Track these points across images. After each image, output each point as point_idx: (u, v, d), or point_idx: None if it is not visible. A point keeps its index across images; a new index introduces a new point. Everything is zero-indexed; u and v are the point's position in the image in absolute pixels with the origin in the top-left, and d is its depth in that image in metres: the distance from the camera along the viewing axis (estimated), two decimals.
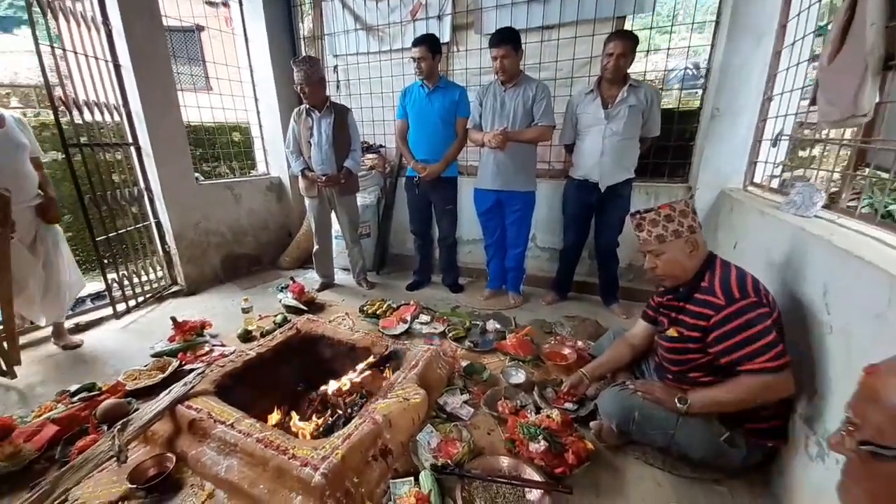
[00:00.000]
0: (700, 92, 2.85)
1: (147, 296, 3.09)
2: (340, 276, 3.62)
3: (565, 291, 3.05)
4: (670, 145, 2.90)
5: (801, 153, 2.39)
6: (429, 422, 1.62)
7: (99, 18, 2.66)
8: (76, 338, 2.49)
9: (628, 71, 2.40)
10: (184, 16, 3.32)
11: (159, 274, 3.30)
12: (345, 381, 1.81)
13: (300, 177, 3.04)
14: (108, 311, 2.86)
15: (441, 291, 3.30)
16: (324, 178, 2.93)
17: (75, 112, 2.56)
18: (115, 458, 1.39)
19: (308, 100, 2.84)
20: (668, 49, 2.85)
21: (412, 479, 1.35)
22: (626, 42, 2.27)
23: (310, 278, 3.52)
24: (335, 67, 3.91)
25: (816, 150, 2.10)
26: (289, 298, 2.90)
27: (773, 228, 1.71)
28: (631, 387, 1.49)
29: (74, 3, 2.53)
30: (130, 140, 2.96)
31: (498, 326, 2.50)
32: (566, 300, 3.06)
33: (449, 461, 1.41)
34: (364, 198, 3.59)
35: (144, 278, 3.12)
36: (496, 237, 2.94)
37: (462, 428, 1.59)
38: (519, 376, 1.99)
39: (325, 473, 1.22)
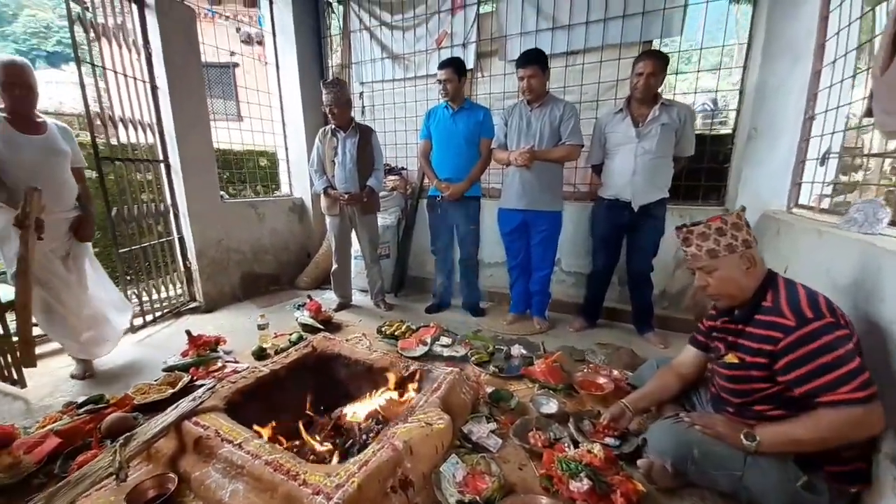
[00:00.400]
0: (728, 119, 2.78)
1: (164, 311, 3.06)
2: (358, 298, 3.54)
3: (594, 318, 2.88)
4: (703, 167, 2.80)
5: (849, 173, 2.27)
6: (453, 452, 1.46)
7: (140, 41, 2.80)
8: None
9: (658, 91, 2.35)
10: (221, 52, 3.51)
11: (178, 290, 3.28)
12: (360, 410, 1.69)
13: (322, 195, 3.04)
14: (126, 325, 2.82)
15: (461, 315, 3.16)
16: (346, 196, 2.92)
17: (111, 129, 2.65)
18: (114, 476, 1.28)
19: (335, 120, 2.88)
20: (697, 72, 2.81)
21: None
22: (656, 61, 2.24)
23: (327, 298, 3.45)
24: (361, 94, 4.02)
25: (873, 164, 1.97)
26: (305, 316, 2.81)
27: (833, 248, 1.57)
28: (686, 420, 1.32)
29: (117, 25, 2.67)
30: (161, 157, 3.03)
31: (524, 352, 2.34)
32: (595, 327, 2.88)
33: (477, 498, 1.25)
34: (384, 218, 3.57)
35: (164, 294, 3.10)
36: (520, 259, 2.83)
37: (490, 461, 1.43)
38: (551, 406, 1.82)
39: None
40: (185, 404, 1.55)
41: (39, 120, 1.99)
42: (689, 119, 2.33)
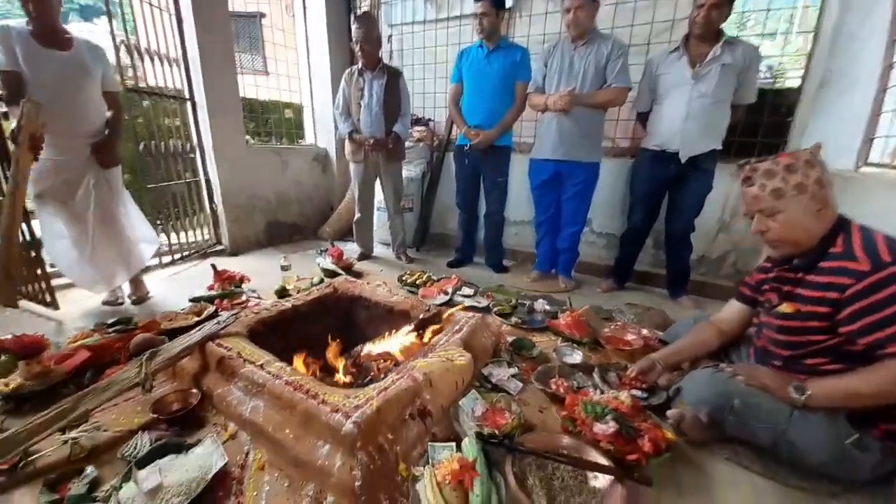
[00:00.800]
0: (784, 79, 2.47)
1: (192, 251, 3.12)
2: (379, 250, 3.51)
3: (624, 280, 2.74)
4: (762, 121, 2.53)
5: None
6: (473, 389, 1.43)
7: None
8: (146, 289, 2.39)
9: (722, 27, 2.09)
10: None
11: (205, 234, 3.33)
12: (380, 348, 1.67)
13: (347, 140, 2.95)
14: (155, 261, 2.90)
15: (484, 271, 3.09)
16: (371, 141, 2.82)
17: (138, 63, 2.60)
18: (140, 386, 1.30)
19: (363, 59, 2.74)
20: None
21: (454, 444, 1.16)
22: None
23: (349, 249, 3.43)
24: (389, 37, 3.81)
25: None
26: (327, 262, 2.81)
27: None
28: (727, 369, 1.22)
29: None
30: (187, 95, 2.99)
31: (548, 307, 2.26)
32: (624, 290, 2.75)
33: (496, 432, 1.21)
34: (409, 171, 3.46)
35: (191, 236, 3.15)
36: (549, 214, 2.70)
37: (510, 400, 1.38)
38: (575, 356, 1.75)
39: (357, 423, 1.06)
40: (209, 326, 1.56)
41: (67, 36, 1.89)
42: (754, 61, 2.07)
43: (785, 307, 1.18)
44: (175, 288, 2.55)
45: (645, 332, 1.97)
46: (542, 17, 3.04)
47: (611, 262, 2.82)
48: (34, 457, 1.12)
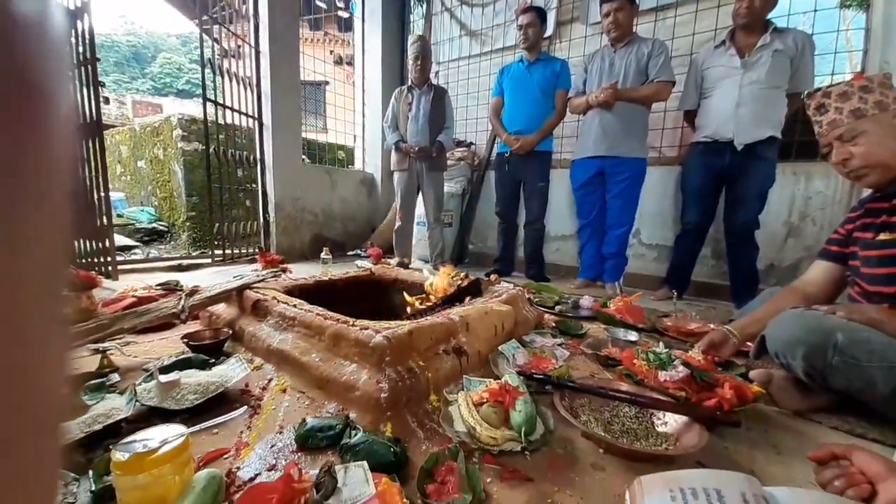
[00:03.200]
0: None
1: (241, 251, 3.27)
2: (417, 264, 3.49)
3: (681, 289, 2.48)
4: None
5: None
6: (514, 339, 1.29)
7: (251, 10, 3.18)
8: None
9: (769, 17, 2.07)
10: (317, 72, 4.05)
11: (256, 241, 3.51)
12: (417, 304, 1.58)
13: (393, 150, 3.10)
14: (208, 260, 3.08)
15: (523, 282, 2.95)
16: (416, 149, 2.95)
17: (219, 81, 2.99)
18: (177, 316, 1.30)
19: (416, 74, 2.97)
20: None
21: (491, 380, 1.02)
22: None
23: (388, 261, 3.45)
24: (437, 74, 4.15)
25: None
26: (366, 263, 2.82)
27: None
28: (823, 307, 1.02)
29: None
30: (256, 115, 3.34)
31: (594, 300, 2.08)
32: (682, 300, 2.49)
33: (543, 374, 1.05)
34: (450, 187, 3.54)
35: (243, 247, 3.33)
36: (593, 217, 2.60)
37: (555, 351, 1.23)
38: (630, 336, 1.55)
39: (387, 337, 0.97)
40: (249, 276, 1.57)
41: None
42: (808, 46, 2.01)
43: (884, 236, 1.00)
44: (219, 278, 2.64)
45: (711, 325, 1.74)
46: (580, 40, 3.20)
47: (662, 276, 2.61)
48: None
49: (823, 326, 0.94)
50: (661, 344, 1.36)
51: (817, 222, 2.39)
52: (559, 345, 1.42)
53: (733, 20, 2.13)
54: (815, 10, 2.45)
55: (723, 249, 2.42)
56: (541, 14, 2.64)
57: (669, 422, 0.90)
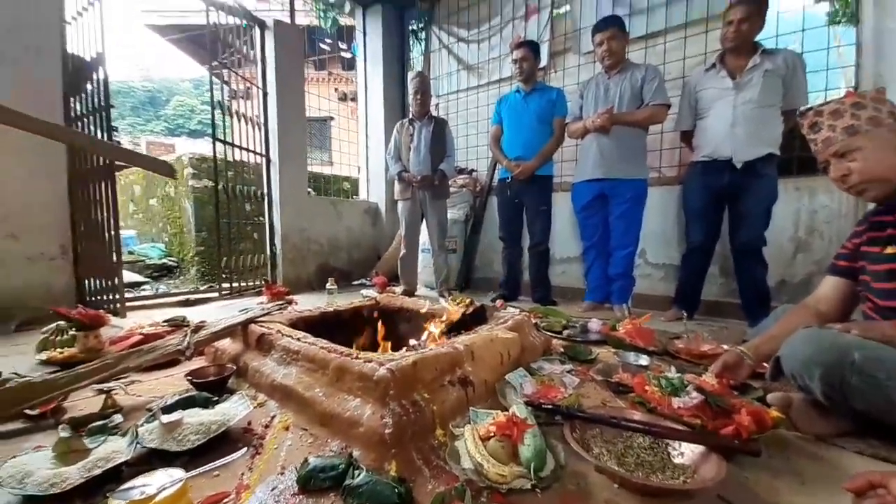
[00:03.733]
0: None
1: (248, 284, 3.29)
2: (423, 291, 3.49)
3: (691, 308, 2.43)
4: None
5: None
6: (521, 368, 1.26)
7: (258, 55, 3.35)
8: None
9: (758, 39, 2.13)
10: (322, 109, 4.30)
11: (263, 273, 3.54)
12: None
13: (396, 180, 3.17)
14: (215, 294, 3.10)
15: (529, 305, 2.92)
16: (419, 178, 3.00)
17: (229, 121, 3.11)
18: (182, 353, 1.30)
19: (416, 108, 3.07)
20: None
21: (498, 412, 0.99)
22: (749, 5, 2.03)
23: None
24: (437, 106, 4.28)
25: None
26: (372, 291, 2.82)
27: None
28: (837, 326, 0.99)
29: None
30: (263, 151, 3.45)
31: (603, 322, 2.04)
32: (692, 321, 2.44)
33: (551, 404, 1.02)
34: (453, 213, 3.58)
35: (250, 279, 3.36)
36: (597, 239, 2.60)
37: (563, 379, 1.20)
38: (641, 360, 1.51)
39: (391, 369, 0.96)
40: (254, 310, 1.58)
41: None
42: (798, 65, 2.05)
43: (891, 249, 0.99)
44: (225, 312, 2.65)
45: (725, 346, 1.69)
46: (574, 69, 3.31)
47: (670, 295, 2.57)
48: (66, 405, 1.11)
49: (838, 345, 0.91)
50: (672, 368, 1.33)
51: (825, 236, 2.36)
52: (568, 371, 1.39)
53: (722, 44, 2.19)
54: (804, 30, 2.51)
55: (731, 267, 2.39)
56: (534, 47, 2.74)
57: (686, 452, 0.86)
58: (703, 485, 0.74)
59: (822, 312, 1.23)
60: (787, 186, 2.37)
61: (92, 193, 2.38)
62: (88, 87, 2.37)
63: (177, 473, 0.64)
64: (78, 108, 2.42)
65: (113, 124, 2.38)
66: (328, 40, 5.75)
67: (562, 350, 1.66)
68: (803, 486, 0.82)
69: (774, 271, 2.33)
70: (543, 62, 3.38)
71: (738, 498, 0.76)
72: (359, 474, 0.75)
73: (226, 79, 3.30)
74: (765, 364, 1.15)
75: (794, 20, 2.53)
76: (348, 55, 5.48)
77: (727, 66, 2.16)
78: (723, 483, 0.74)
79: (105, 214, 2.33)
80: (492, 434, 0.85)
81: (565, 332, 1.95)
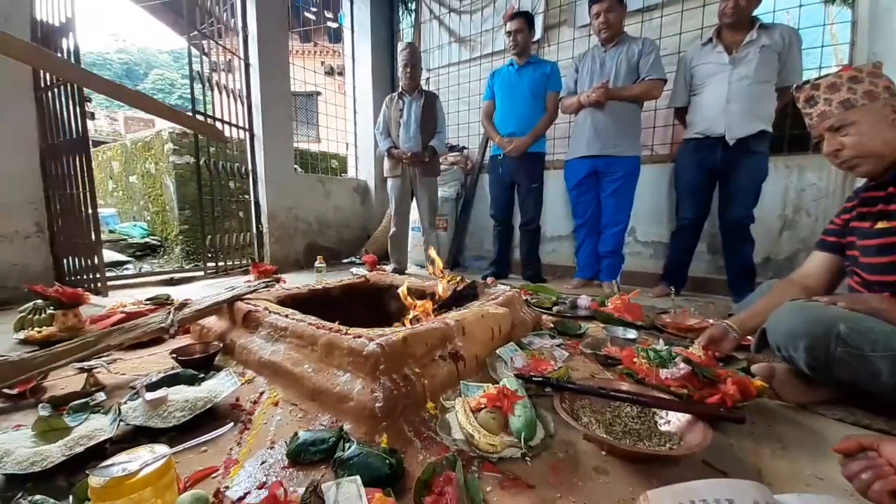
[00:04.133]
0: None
1: (234, 263, 3.24)
2: (413, 270, 3.47)
3: (679, 285, 2.46)
4: None
5: None
6: (512, 342, 1.26)
7: (240, 24, 3.18)
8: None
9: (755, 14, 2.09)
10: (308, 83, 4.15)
11: (249, 252, 3.48)
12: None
13: (386, 156, 3.09)
14: (200, 273, 3.04)
15: (520, 283, 2.93)
16: (409, 154, 2.93)
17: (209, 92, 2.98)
18: (165, 331, 1.27)
19: (406, 81, 2.96)
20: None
21: (489, 385, 0.99)
22: None
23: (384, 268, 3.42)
24: (427, 80, 4.15)
25: None
26: (361, 270, 2.79)
27: None
28: (824, 299, 1.00)
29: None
30: (247, 126, 3.33)
31: (592, 299, 2.06)
32: (680, 297, 2.47)
33: (542, 376, 1.03)
34: (444, 191, 3.53)
35: (236, 258, 3.29)
36: (588, 216, 2.59)
37: (553, 352, 1.20)
38: (630, 334, 1.53)
39: (381, 344, 0.94)
40: (240, 288, 1.54)
41: None
42: (795, 41, 2.02)
43: (881, 224, 0.99)
44: (210, 291, 2.61)
45: (711, 321, 1.72)
46: (569, 43, 3.22)
47: (659, 272, 2.60)
48: (46, 384, 1.08)
49: (825, 317, 0.92)
50: (660, 341, 1.35)
51: (812, 214, 2.39)
52: (558, 346, 1.40)
53: (719, 19, 2.14)
54: (800, 6, 2.47)
55: (719, 244, 2.42)
56: (528, 19, 2.65)
57: (672, 421, 0.87)
58: (689, 451, 0.75)
59: (808, 287, 1.24)
60: (778, 164, 2.38)
61: (66, 168, 2.27)
62: (58, 55, 2.23)
63: (161, 449, 0.63)
64: (48, 77, 2.28)
65: (87, 95, 2.25)
66: (313, 8, 5.50)
67: (552, 325, 1.67)
68: (785, 451, 0.84)
69: (760, 248, 2.37)
70: (538, 35, 3.27)
71: (723, 463, 0.78)
72: (349, 447, 0.75)
73: (206, 50, 3.14)
74: (749, 337, 1.18)
75: None
76: (335, 25, 5.23)
77: (724, 41, 2.12)
78: (708, 449, 0.75)
79: (81, 190, 2.24)
80: (482, 406, 0.85)
81: (555, 309, 1.96)
